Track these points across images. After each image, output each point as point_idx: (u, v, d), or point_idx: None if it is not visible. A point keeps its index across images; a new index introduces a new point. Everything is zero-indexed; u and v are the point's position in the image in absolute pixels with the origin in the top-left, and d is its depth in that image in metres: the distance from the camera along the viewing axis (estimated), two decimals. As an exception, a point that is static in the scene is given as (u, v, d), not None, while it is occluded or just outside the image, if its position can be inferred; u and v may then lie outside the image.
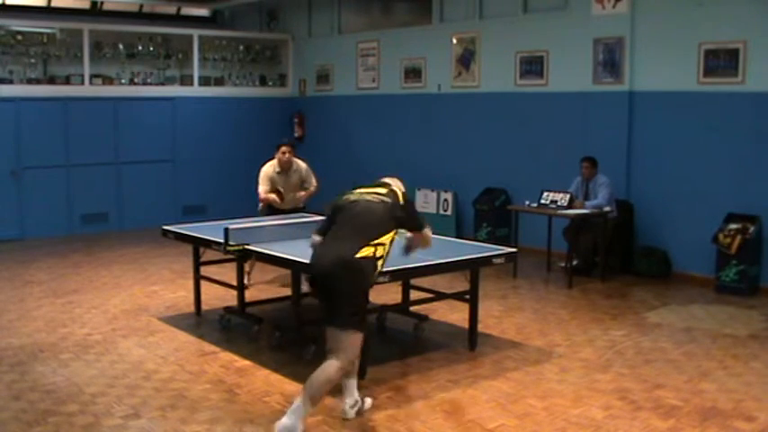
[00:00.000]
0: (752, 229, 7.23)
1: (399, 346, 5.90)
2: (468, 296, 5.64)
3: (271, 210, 7.35)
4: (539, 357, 5.56)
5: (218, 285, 6.55)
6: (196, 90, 11.72)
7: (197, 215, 10.42)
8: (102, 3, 12.64)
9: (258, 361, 5.43)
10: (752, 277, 7.36)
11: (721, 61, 7.56)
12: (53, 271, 8.43)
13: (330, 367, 4.12)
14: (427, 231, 4.68)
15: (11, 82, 10.36)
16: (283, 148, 7.39)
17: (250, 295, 6.33)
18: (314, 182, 7.66)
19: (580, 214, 7.83)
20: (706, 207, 7.72)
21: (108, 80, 11.11)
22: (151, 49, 11.56)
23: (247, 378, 5.12)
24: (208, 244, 6.12)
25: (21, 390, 4.89)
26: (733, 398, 4.79)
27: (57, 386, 4.95)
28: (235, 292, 6.26)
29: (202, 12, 13.55)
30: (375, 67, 11.27)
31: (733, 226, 7.31)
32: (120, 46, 11.29)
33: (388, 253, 4.35)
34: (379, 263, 4.29)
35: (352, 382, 4.41)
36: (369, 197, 4.44)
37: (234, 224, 6.14)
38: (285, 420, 4.01)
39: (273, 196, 7.34)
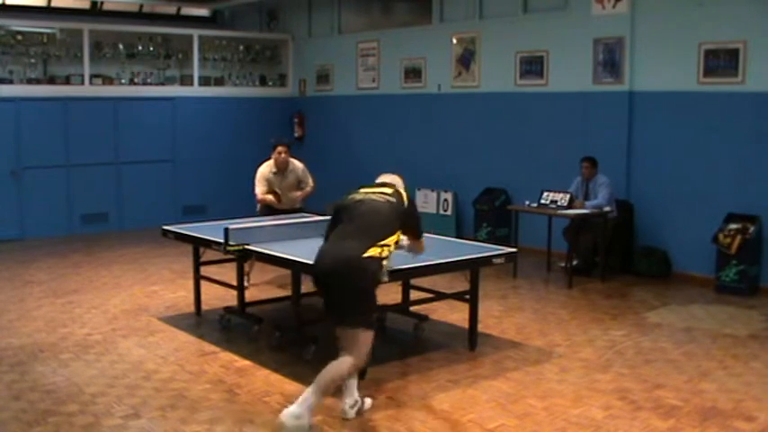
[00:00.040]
0: (752, 229, 7.23)
1: (399, 346, 5.90)
2: (468, 296, 5.64)
3: (269, 210, 7.34)
4: (539, 357, 5.56)
5: (218, 285, 6.55)
6: (196, 90, 11.72)
7: (197, 215, 10.43)
8: (102, 3, 12.65)
9: (258, 361, 5.43)
10: (752, 277, 7.36)
11: (721, 61, 7.56)
12: (53, 271, 8.43)
13: (344, 363, 4.15)
14: (422, 241, 4.69)
15: (11, 82, 10.36)
16: (279, 148, 7.38)
17: (250, 295, 6.33)
18: (310, 182, 7.65)
19: (580, 214, 7.83)
20: (706, 207, 7.72)
21: (108, 80, 11.11)
22: (151, 49, 11.56)
23: (247, 378, 5.12)
24: (208, 244, 6.12)
25: (21, 390, 4.89)
26: (733, 398, 4.79)
27: (57, 386, 4.95)
28: (235, 292, 6.26)
29: (202, 12, 13.55)
30: (375, 67, 11.27)
31: (733, 226, 7.31)
32: (120, 46, 11.29)
33: (391, 254, 4.36)
34: (384, 263, 4.30)
35: (353, 382, 4.41)
36: (374, 196, 4.44)
37: (234, 224, 6.14)
38: (293, 408, 4.02)
39: (271, 197, 7.33)
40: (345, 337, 4.23)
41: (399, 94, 10.91)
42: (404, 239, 4.66)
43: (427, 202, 10.25)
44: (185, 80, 11.77)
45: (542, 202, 8.13)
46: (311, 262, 4.47)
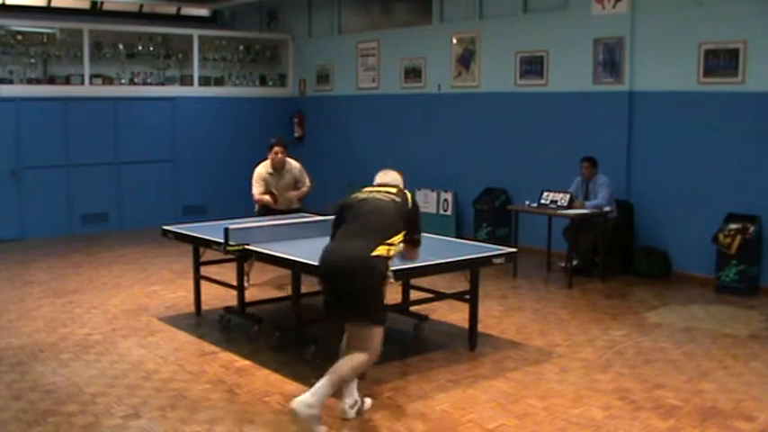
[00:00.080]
0: (752, 229, 7.23)
1: (399, 346, 5.90)
2: (468, 296, 5.64)
3: (266, 210, 7.34)
4: (539, 357, 5.56)
5: (218, 285, 6.55)
6: (196, 90, 11.72)
7: (197, 215, 10.42)
8: (102, 3, 12.65)
9: (258, 361, 5.43)
10: (752, 277, 7.36)
11: (721, 61, 7.56)
12: (53, 271, 8.43)
13: (358, 357, 4.17)
14: (419, 249, 4.69)
15: (11, 82, 10.36)
16: (276, 149, 7.36)
17: (250, 295, 6.33)
18: (307, 181, 7.64)
19: (580, 214, 7.83)
20: (706, 207, 7.72)
21: (108, 80, 11.11)
22: (151, 49, 11.56)
23: (247, 378, 5.13)
24: (208, 244, 6.12)
25: (21, 390, 4.89)
26: (733, 398, 4.79)
27: (57, 386, 4.95)
28: (235, 292, 6.26)
29: (202, 12, 13.55)
30: (375, 67, 11.27)
31: (733, 226, 7.31)
32: (120, 46, 11.29)
33: (396, 253, 4.36)
34: (390, 263, 4.31)
35: (353, 382, 4.41)
36: (379, 195, 4.44)
37: (234, 224, 6.14)
38: (306, 397, 4.01)
39: (267, 198, 7.32)
40: (357, 335, 4.24)
41: (399, 94, 10.91)
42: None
43: (427, 202, 10.25)
44: (185, 80, 11.77)
45: (542, 202, 8.13)
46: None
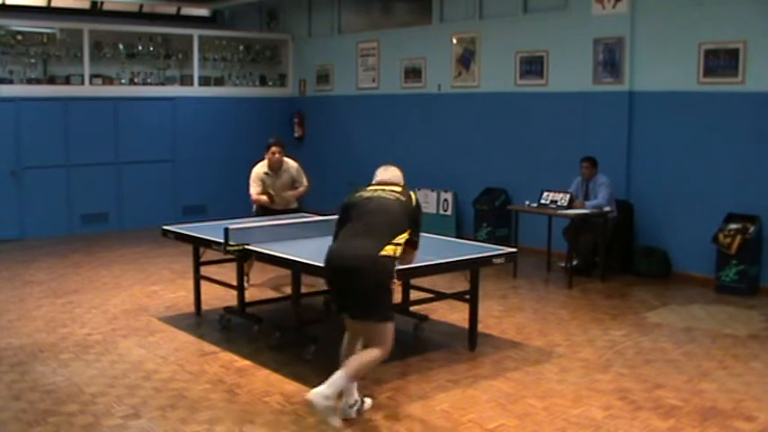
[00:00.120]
0: (752, 229, 7.23)
1: (399, 346, 5.84)
2: (468, 296, 5.64)
3: (264, 210, 7.33)
4: (539, 357, 5.56)
5: (218, 285, 6.55)
6: (196, 90, 11.72)
7: (197, 215, 10.42)
8: (102, 3, 12.65)
9: (258, 361, 5.43)
10: (752, 277, 7.36)
11: (721, 61, 7.56)
12: (53, 271, 8.43)
13: (372, 353, 4.20)
14: (417, 252, 4.69)
15: (11, 82, 10.36)
16: (273, 149, 7.35)
17: (250, 295, 6.34)
18: (305, 181, 7.62)
19: (580, 214, 7.83)
20: (706, 207, 7.72)
21: (108, 80, 11.11)
22: (151, 49, 11.56)
23: (247, 378, 5.12)
24: (208, 244, 6.12)
25: (21, 390, 4.89)
26: (733, 398, 4.79)
27: (57, 386, 4.95)
28: (235, 292, 6.26)
29: (202, 12, 13.55)
30: (375, 67, 11.27)
31: (733, 226, 7.31)
32: (120, 46, 11.29)
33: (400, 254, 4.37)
34: (396, 262, 4.32)
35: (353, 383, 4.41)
36: (384, 194, 4.43)
37: (234, 224, 6.14)
38: (323, 389, 4.02)
39: (264, 198, 7.31)
40: (368, 332, 4.28)
41: (399, 94, 10.91)
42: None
43: (427, 202, 10.25)
44: (185, 80, 11.77)
45: (542, 202, 8.13)
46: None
